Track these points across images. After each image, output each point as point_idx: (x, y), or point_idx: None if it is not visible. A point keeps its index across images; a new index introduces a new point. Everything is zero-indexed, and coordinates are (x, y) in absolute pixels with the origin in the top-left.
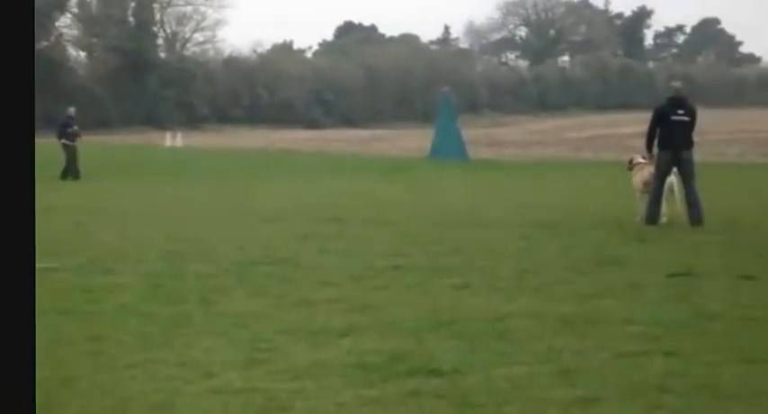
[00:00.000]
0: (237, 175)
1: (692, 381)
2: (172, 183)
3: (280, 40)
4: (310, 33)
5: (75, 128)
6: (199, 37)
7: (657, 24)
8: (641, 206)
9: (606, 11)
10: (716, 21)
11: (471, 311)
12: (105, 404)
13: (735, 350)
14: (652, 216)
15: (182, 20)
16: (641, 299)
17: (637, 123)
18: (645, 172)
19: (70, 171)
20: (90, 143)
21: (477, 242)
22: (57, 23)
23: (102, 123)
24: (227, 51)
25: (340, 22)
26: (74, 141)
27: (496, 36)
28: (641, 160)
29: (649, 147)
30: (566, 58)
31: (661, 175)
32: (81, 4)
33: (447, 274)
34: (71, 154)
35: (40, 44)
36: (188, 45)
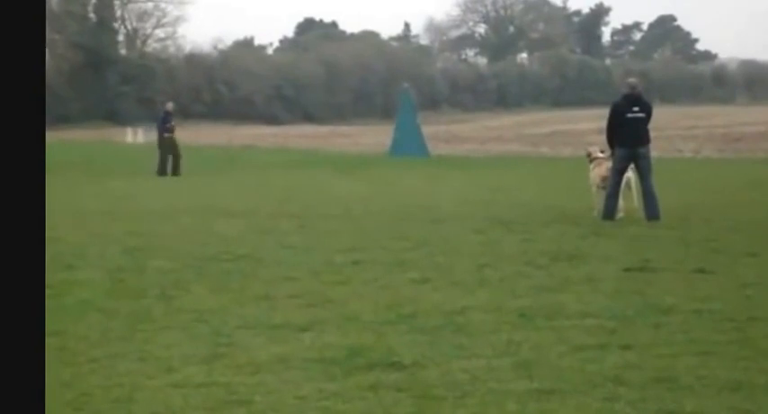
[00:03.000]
0: (198, 170)
1: (647, 373)
2: (133, 179)
3: (240, 37)
4: (271, 30)
5: (173, 123)
6: (159, 33)
7: (615, 22)
8: (599, 201)
9: (564, 8)
10: (672, 18)
11: (431, 305)
12: (66, 398)
13: (689, 342)
14: (609, 211)
15: (142, 16)
16: (598, 292)
17: (594, 119)
18: (603, 167)
19: (166, 167)
20: (52, 139)
21: (436, 237)
22: None
23: (63, 119)
24: (187, 48)
25: (300, 18)
26: (171, 137)
27: (456, 33)
28: (600, 154)
29: (611, 143)
30: (524, 54)
31: (618, 171)
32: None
33: (406, 269)
34: (167, 149)
35: None
36: (149, 41)
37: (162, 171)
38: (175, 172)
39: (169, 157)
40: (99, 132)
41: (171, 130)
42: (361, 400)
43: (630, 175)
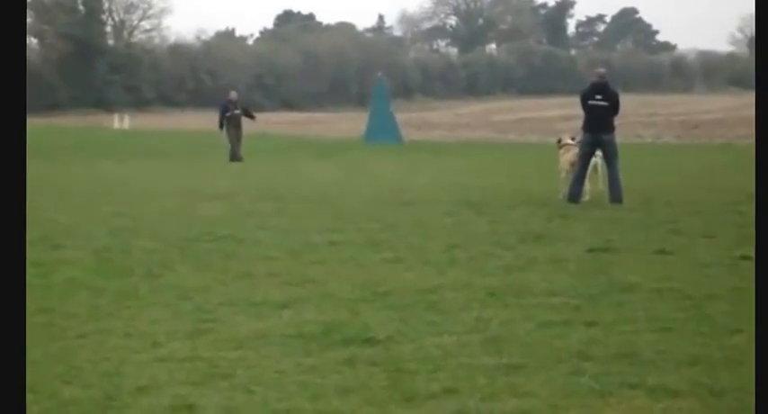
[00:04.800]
0: (182, 155)
1: (610, 348)
2: (120, 163)
3: (222, 28)
4: (252, 21)
5: (236, 112)
6: (145, 25)
7: (579, 14)
8: (565, 185)
9: (531, 1)
10: (634, 11)
11: (404, 284)
12: (56, 372)
13: (650, 319)
14: (574, 194)
15: (129, 8)
16: (563, 272)
17: (560, 107)
18: (570, 153)
19: (237, 152)
20: (42, 125)
21: (408, 219)
22: None
23: (53, 106)
24: (172, 38)
25: (280, 10)
26: (236, 125)
27: (428, 24)
28: (569, 141)
29: None
30: (493, 45)
31: (583, 156)
32: None
33: (380, 249)
34: (232, 135)
35: None
36: (135, 32)
37: (233, 156)
38: (232, 159)
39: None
40: (87, 118)
41: (231, 120)
42: (338, 374)
43: (598, 160)
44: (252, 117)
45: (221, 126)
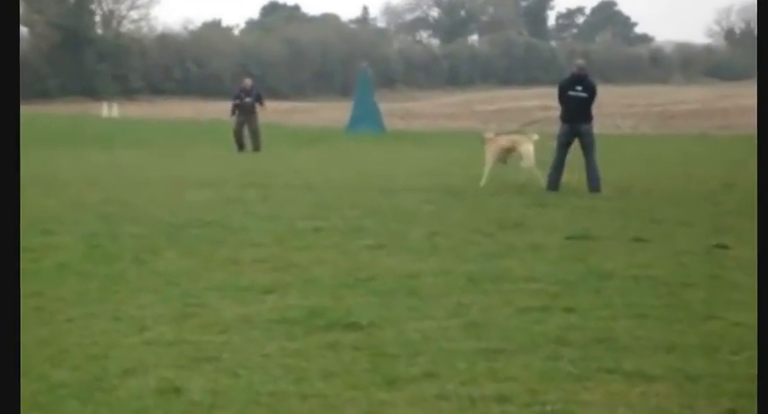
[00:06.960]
0: (170, 143)
1: (588, 334)
2: (108, 150)
3: (209, 18)
4: (238, 12)
5: (248, 100)
6: (134, 15)
7: (560, 6)
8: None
9: None
10: (613, 3)
11: (386, 270)
12: (45, 355)
13: (627, 306)
14: (553, 183)
15: None
16: (542, 259)
17: (540, 97)
18: (496, 145)
19: (257, 141)
20: (32, 113)
21: (390, 206)
22: None
23: (42, 94)
24: (159, 28)
25: (265, 1)
26: (246, 113)
27: (411, 16)
28: (491, 135)
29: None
30: (475, 36)
31: (561, 146)
32: None
33: (363, 236)
34: (237, 124)
35: None
36: (123, 22)
37: (255, 147)
38: (255, 147)
39: (244, 132)
40: (76, 107)
41: (241, 108)
42: (321, 358)
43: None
44: (261, 103)
45: (233, 113)
